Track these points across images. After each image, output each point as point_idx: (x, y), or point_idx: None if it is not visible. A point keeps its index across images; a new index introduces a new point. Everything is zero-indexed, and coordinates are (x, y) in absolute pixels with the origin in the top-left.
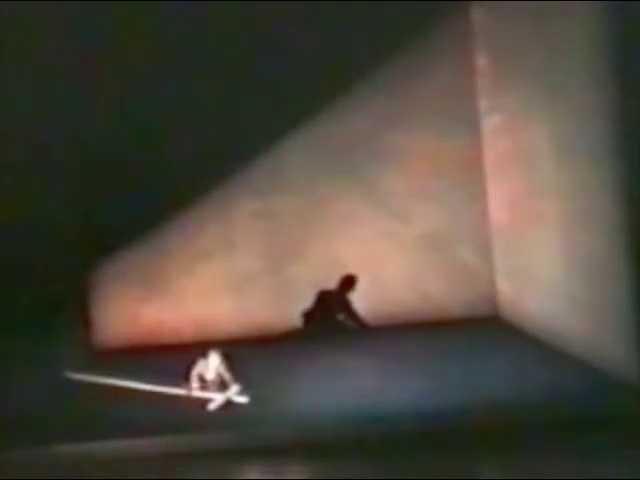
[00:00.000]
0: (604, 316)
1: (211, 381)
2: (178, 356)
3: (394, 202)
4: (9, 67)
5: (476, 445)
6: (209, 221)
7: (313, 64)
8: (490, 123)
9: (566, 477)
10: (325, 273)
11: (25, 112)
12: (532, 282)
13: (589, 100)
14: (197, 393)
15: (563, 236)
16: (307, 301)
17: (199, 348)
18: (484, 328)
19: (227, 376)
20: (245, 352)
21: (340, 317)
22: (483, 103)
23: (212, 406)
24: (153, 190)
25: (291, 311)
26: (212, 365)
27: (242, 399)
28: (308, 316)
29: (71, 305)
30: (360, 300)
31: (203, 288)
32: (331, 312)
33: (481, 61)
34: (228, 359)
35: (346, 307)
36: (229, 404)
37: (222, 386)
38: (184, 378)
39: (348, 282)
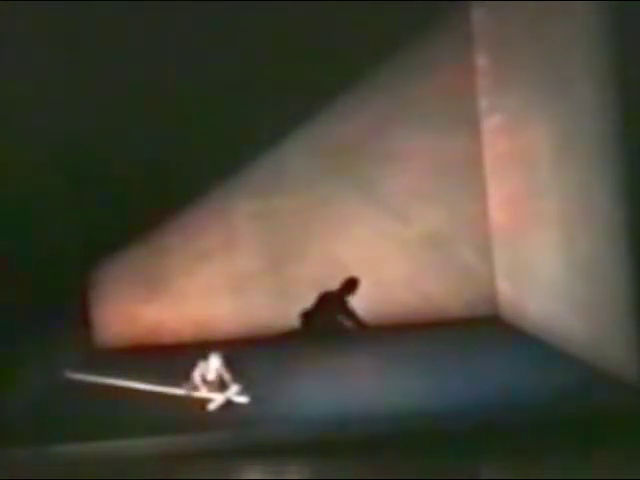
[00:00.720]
0: (604, 316)
1: (212, 382)
2: (178, 356)
3: (394, 202)
4: (9, 67)
5: (476, 445)
6: (209, 221)
7: (313, 64)
8: (490, 123)
9: (566, 477)
10: (325, 273)
11: (25, 111)
12: (532, 282)
13: (589, 100)
14: (197, 393)
15: (563, 236)
16: (307, 301)
17: (199, 348)
18: (484, 328)
19: (227, 376)
20: (245, 352)
21: (340, 318)
22: (483, 103)
23: (212, 406)
24: (153, 190)
25: (291, 311)
26: (212, 367)
27: (242, 399)
28: (307, 316)
29: (71, 305)
30: (360, 300)
31: (203, 288)
32: (331, 313)
33: (481, 61)
34: (228, 361)
35: (344, 308)
36: (229, 404)
37: (222, 386)
38: (184, 378)
39: (351, 284)
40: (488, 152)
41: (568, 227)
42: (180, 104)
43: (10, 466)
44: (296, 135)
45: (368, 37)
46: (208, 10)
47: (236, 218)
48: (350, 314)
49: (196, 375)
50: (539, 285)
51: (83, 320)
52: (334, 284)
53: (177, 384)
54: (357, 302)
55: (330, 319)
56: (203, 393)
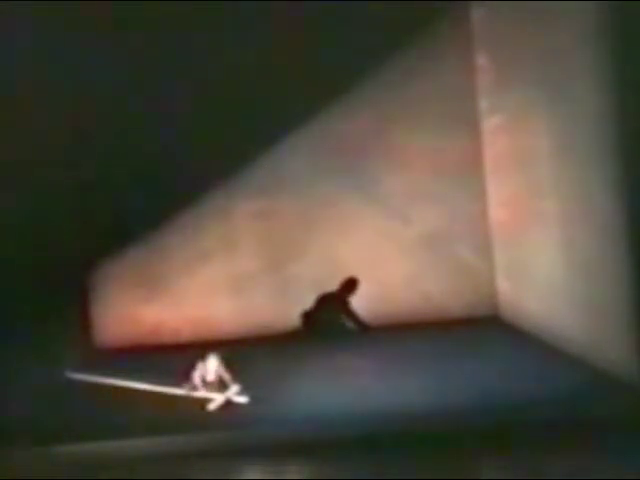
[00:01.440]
0: (604, 316)
1: (212, 383)
2: (178, 356)
3: (394, 202)
4: (8, 67)
5: (476, 445)
6: (209, 221)
7: (313, 64)
8: (490, 123)
9: (566, 477)
10: (325, 273)
11: (25, 111)
12: (532, 282)
13: (589, 100)
14: (197, 393)
15: (563, 236)
16: (307, 301)
17: (199, 348)
18: (484, 328)
19: (227, 376)
20: (245, 352)
21: (341, 318)
22: (483, 103)
23: (212, 406)
24: (153, 190)
25: (291, 311)
26: (211, 368)
27: (242, 399)
28: (308, 317)
29: (71, 305)
30: (360, 300)
31: (203, 288)
32: (332, 313)
33: (481, 61)
34: (228, 361)
35: (345, 309)
36: (229, 404)
37: (222, 386)
38: (184, 378)
39: (350, 285)
40: (488, 152)
41: (568, 227)
42: (180, 104)
43: (10, 466)
44: (296, 135)
45: (368, 37)
46: (208, 9)
47: (236, 218)
48: (351, 314)
49: (196, 376)
50: (539, 285)
51: (83, 320)
52: (334, 284)
53: (177, 384)
54: (357, 302)
55: (331, 320)
56: (203, 393)
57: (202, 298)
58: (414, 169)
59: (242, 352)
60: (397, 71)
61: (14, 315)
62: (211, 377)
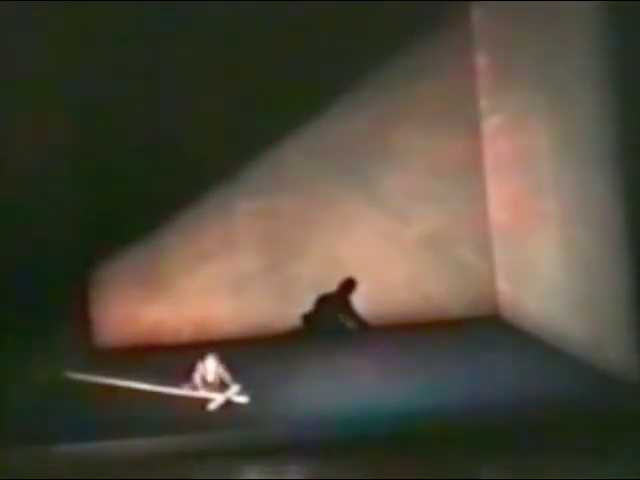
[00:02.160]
0: (604, 316)
1: (212, 383)
2: (178, 356)
3: (394, 202)
4: (8, 66)
5: (476, 445)
6: (209, 221)
7: (313, 64)
8: (490, 123)
9: (566, 477)
10: (325, 273)
11: (25, 112)
12: (532, 282)
13: (589, 100)
14: (197, 393)
15: (563, 236)
16: (307, 301)
17: (199, 348)
18: (484, 328)
19: (227, 376)
20: (245, 352)
21: (341, 319)
22: (483, 103)
23: (212, 406)
24: (153, 190)
25: (291, 311)
26: (210, 368)
27: (242, 399)
28: (308, 318)
29: (71, 305)
30: (360, 300)
31: (203, 288)
32: (332, 315)
33: (481, 61)
34: (228, 361)
35: (346, 308)
36: (229, 404)
37: (222, 386)
38: (184, 378)
39: (348, 285)
40: (488, 152)
41: (568, 227)
42: (180, 104)
43: (10, 466)
44: (296, 135)
45: (368, 37)
46: (208, 9)
47: (236, 218)
48: (352, 315)
49: (196, 377)
50: (539, 285)
51: (83, 320)
52: (334, 284)
53: (177, 384)
54: (357, 302)
55: (332, 321)
56: (203, 393)
57: (202, 298)
58: (414, 169)
59: (242, 352)
60: (397, 71)
61: (14, 315)
62: (211, 377)
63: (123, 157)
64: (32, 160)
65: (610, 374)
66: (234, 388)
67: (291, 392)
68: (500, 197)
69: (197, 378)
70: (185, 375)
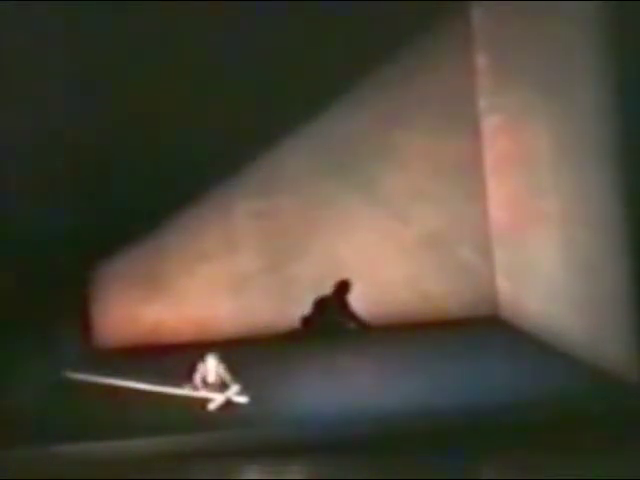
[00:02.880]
0: (604, 316)
1: (213, 383)
2: (178, 356)
3: (394, 202)
4: (8, 67)
5: (476, 445)
6: (209, 221)
7: (313, 64)
8: (490, 123)
9: (566, 477)
10: (325, 273)
11: (25, 111)
12: (532, 282)
13: (589, 100)
14: (197, 393)
15: (563, 236)
16: (307, 301)
17: (199, 348)
18: (484, 328)
19: (227, 376)
20: (245, 352)
21: (342, 319)
22: (483, 103)
23: (212, 406)
24: (153, 190)
25: (291, 311)
26: (211, 368)
27: (242, 399)
28: (307, 321)
29: (71, 305)
30: (360, 300)
31: (203, 288)
32: (332, 316)
33: (481, 61)
34: (228, 361)
35: (345, 310)
36: (229, 404)
37: (222, 386)
38: (184, 378)
39: (344, 287)
40: (488, 152)
41: (568, 227)
42: (180, 104)
43: (10, 466)
44: (296, 135)
45: (368, 37)
46: (209, 10)
47: (236, 218)
48: (352, 315)
49: (197, 377)
50: (539, 285)
51: (83, 320)
52: (334, 284)
53: (177, 384)
54: (357, 302)
55: (332, 322)
56: (203, 393)
57: (202, 298)
58: (414, 169)
59: (242, 352)
60: (397, 71)
61: (14, 315)
62: (212, 377)
63: (123, 157)
64: (32, 159)
65: (610, 374)
66: (234, 388)
67: (291, 392)
68: (500, 197)
69: (197, 378)
70: (185, 375)
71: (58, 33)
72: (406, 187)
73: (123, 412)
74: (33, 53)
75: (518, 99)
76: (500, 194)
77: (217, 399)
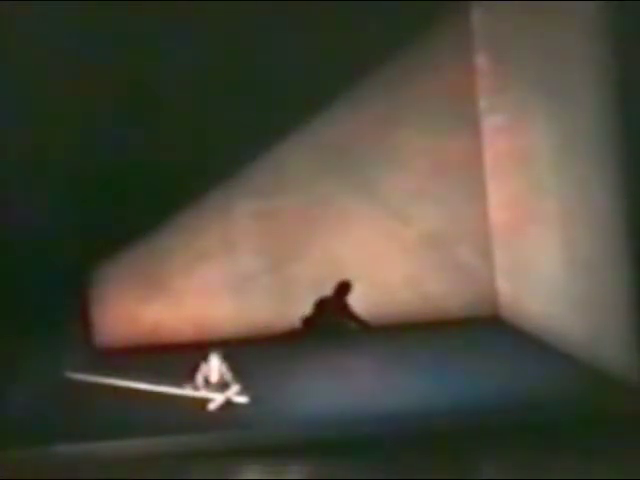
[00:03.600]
0: (604, 316)
1: (215, 383)
2: (178, 356)
3: (394, 202)
4: (9, 67)
5: (476, 445)
6: (209, 221)
7: (313, 64)
8: (490, 123)
9: (566, 477)
10: (325, 273)
11: (25, 112)
12: (532, 282)
13: (589, 100)
14: (197, 393)
15: (563, 236)
16: (307, 301)
17: (199, 348)
18: (484, 328)
19: (228, 376)
20: (245, 352)
21: (340, 320)
22: (483, 103)
23: (212, 406)
24: (153, 190)
25: (291, 311)
26: (214, 367)
27: (242, 399)
28: (308, 322)
29: (71, 305)
30: (360, 300)
31: (203, 288)
32: (332, 317)
33: (481, 61)
34: (228, 361)
35: (345, 310)
36: (229, 404)
37: (223, 386)
38: (184, 378)
39: (344, 288)
40: (488, 152)
41: (568, 227)
42: (180, 104)
43: (10, 466)
44: (296, 135)
45: (368, 37)
46: (207, 11)
47: (236, 218)
48: (352, 316)
49: (199, 377)
50: (539, 285)
51: (83, 320)
52: (334, 284)
53: (177, 384)
54: (357, 302)
55: (332, 323)
56: (203, 393)
57: (202, 298)
58: (414, 169)
59: (242, 352)
60: (397, 71)
61: (14, 315)
62: (214, 377)
63: (123, 157)
64: (32, 160)
65: (610, 374)
66: (234, 388)
67: (291, 392)
68: (500, 197)
69: (199, 378)
70: (185, 375)
71: (58, 33)
72: (406, 187)
73: (123, 412)
74: (33, 54)
75: (518, 99)
76: (500, 194)
77: (217, 399)
